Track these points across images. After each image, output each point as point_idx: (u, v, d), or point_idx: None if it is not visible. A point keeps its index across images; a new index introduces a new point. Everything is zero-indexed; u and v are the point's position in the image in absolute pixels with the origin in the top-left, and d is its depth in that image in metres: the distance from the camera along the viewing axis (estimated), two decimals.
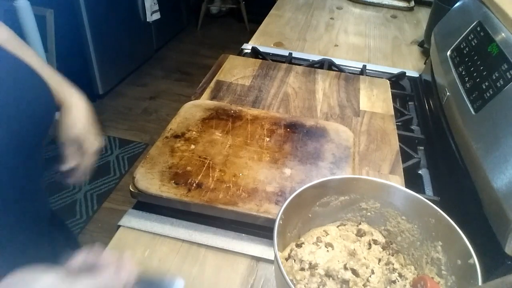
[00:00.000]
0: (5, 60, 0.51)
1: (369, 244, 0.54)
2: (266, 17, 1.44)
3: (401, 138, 0.83)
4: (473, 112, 0.63)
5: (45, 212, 0.62)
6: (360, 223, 0.57)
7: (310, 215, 0.54)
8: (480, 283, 0.42)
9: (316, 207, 0.54)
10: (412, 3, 1.59)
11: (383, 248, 0.55)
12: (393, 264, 0.52)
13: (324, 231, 0.55)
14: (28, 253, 0.55)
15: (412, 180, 0.77)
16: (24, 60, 0.54)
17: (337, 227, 0.56)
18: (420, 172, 0.81)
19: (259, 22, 1.40)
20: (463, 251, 0.46)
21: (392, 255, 0.54)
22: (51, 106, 0.57)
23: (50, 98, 0.56)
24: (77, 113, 0.60)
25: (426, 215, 0.51)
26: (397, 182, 0.69)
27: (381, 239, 0.56)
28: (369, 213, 0.56)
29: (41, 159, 0.57)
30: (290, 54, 1.17)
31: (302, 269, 0.49)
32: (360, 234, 0.55)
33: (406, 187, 0.54)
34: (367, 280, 0.50)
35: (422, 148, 0.88)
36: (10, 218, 0.51)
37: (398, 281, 0.50)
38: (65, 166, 0.60)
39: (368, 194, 0.55)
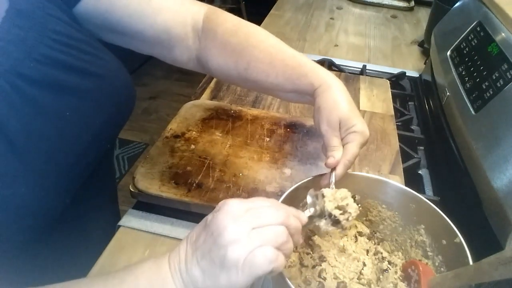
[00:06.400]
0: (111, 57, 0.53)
1: (355, 237, 0.55)
2: (266, 17, 1.44)
3: (401, 138, 0.83)
4: (473, 112, 0.63)
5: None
6: None
7: None
8: (470, 259, 0.42)
9: (299, 209, 0.54)
10: (412, 3, 1.59)
11: (369, 238, 0.56)
12: (381, 253, 0.53)
13: (310, 230, 0.55)
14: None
15: (412, 180, 0.77)
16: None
17: None
18: (420, 172, 0.81)
19: (259, 22, 1.40)
20: (447, 231, 0.47)
21: (378, 244, 0.55)
22: (132, 96, 0.56)
23: (131, 88, 0.55)
24: (338, 92, 0.50)
25: (406, 201, 0.52)
26: (397, 182, 0.69)
27: (366, 230, 0.56)
28: None
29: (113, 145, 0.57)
30: None
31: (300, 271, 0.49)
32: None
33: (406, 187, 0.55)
34: (361, 273, 0.50)
35: (422, 148, 0.88)
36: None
37: (390, 269, 0.50)
38: (332, 159, 0.49)
39: (348, 188, 0.55)
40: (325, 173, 0.51)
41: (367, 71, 1.13)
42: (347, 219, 0.45)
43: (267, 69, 0.54)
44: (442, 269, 0.48)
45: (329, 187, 0.48)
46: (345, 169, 0.49)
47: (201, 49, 0.58)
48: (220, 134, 0.76)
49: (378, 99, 0.93)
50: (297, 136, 0.77)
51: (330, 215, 0.45)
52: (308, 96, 0.53)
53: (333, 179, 0.49)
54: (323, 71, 0.53)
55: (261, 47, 0.55)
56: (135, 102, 0.57)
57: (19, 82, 0.40)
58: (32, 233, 0.43)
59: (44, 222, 0.44)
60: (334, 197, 0.46)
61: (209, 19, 0.58)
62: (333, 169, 0.49)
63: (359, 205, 0.48)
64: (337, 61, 1.15)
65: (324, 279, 0.49)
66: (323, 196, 0.46)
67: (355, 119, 0.49)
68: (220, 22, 0.57)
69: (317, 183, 0.51)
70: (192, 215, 0.64)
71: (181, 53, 0.59)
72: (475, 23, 0.76)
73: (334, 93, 0.50)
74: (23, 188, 0.40)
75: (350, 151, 0.49)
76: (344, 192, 0.47)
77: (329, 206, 0.45)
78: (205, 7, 0.60)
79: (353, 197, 0.47)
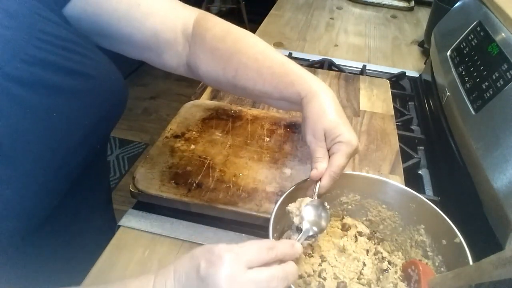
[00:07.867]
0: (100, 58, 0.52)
1: (355, 237, 0.55)
2: (266, 17, 1.44)
3: (401, 138, 0.83)
4: (473, 112, 0.63)
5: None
6: (343, 217, 0.58)
7: None
8: (470, 259, 0.42)
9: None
10: (412, 3, 1.59)
11: (369, 238, 0.56)
12: (381, 253, 0.53)
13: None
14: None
15: (412, 180, 0.77)
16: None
17: None
18: (420, 172, 0.81)
19: (259, 22, 1.40)
20: (447, 231, 0.47)
21: (378, 244, 0.55)
22: (123, 97, 0.54)
23: (123, 88, 0.54)
24: (324, 101, 0.49)
25: (406, 201, 0.52)
26: (397, 182, 0.69)
27: (366, 230, 0.57)
28: (350, 206, 0.57)
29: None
30: (290, 54, 1.17)
31: (300, 276, 0.49)
32: (345, 228, 0.56)
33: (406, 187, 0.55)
34: (361, 273, 0.50)
35: (422, 148, 0.88)
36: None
37: (390, 269, 0.51)
38: (315, 171, 0.48)
39: (348, 188, 0.56)
40: (313, 183, 0.50)
41: (367, 71, 1.12)
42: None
43: (255, 76, 0.53)
44: (442, 269, 0.48)
45: (312, 198, 0.48)
46: (330, 181, 0.48)
47: (191, 55, 0.57)
48: (220, 134, 0.76)
49: (378, 99, 0.93)
50: (297, 136, 0.77)
51: (297, 228, 0.46)
52: (298, 105, 0.52)
53: (316, 190, 0.48)
54: (310, 79, 0.51)
55: (249, 53, 0.54)
56: (126, 102, 0.56)
57: (6, 83, 0.39)
58: (17, 236, 0.42)
59: (30, 224, 0.43)
60: (299, 209, 0.47)
61: (199, 24, 0.57)
62: (320, 179, 0.48)
63: (329, 207, 0.48)
64: (337, 61, 1.15)
65: (324, 279, 0.49)
66: (289, 212, 0.48)
67: (341, 129, 0.48)
68: (209, 27, 0.56)
69: (303, 189, 0.52)
70: (192, 215, 0.64)
71: (170, 58, 0.58)
72: (475, 23, 0.76)
73: (319, 102, 0.49)
74: (9, 190, 0.39)
75: (335, 163, 0.47)
76: (307, 200, 0.47)
77: (296, 221, 0.46)
78: (197, 12, 0.59)
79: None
